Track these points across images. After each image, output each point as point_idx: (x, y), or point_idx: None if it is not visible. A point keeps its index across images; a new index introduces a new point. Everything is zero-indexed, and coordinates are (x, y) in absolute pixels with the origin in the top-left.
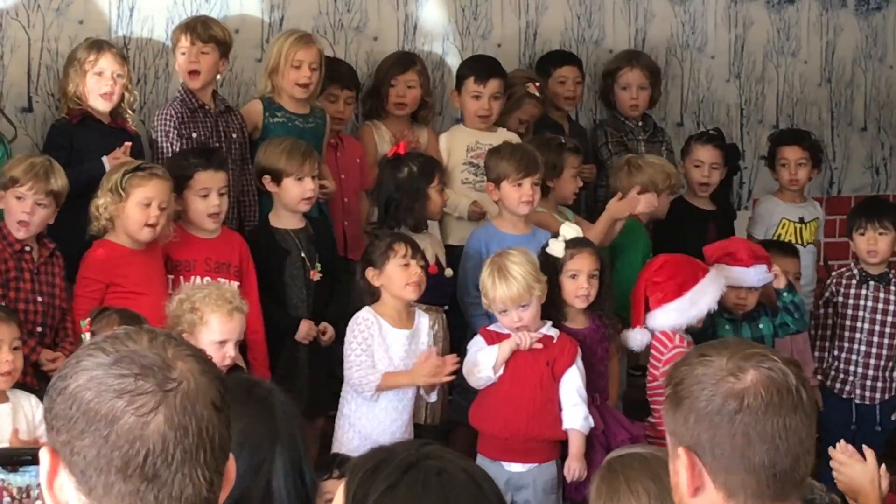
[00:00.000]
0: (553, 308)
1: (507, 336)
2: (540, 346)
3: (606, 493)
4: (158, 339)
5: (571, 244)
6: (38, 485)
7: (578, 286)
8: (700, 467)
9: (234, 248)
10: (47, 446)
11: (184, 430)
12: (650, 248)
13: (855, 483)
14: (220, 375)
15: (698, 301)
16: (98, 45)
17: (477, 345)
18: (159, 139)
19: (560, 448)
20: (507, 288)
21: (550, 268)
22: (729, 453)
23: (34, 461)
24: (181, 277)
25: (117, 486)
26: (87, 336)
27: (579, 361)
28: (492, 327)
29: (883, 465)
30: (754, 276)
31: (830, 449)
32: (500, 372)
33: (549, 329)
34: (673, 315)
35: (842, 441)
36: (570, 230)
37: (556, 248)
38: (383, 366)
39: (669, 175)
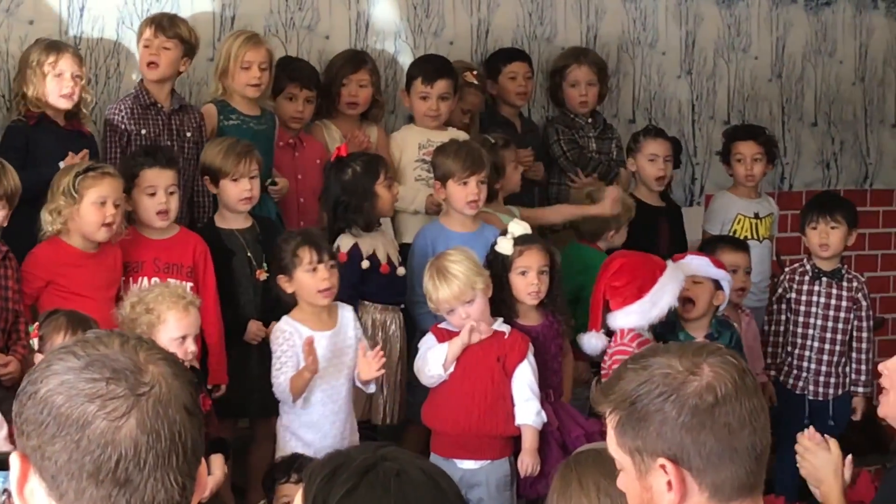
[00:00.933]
0: (504, 306)
1: (458, 334)
2: (490, 331)
3: (560, 488)
4: (130, 342)
5: (520, 241)
6: (4, 490)
7: (528, 283)
8: (685, 474)
9: (188, 248)
10: (17, 451)
11: (156, 435)
12: None
13: (819, 472)
14: (192, 380)
15: (658, 301)
16: (57, 46)
17: (427, 343)
18: (107, 135)
19: (513, 444)
20: (448, 287)
21: (500, 265)
22: (717, 449)
23: (2, 467)
24: (130, 279)
25: (89, 491)
26: (35, 341)
27: (531, 357)
28: (443, 325)
29: (849, 456)
30: (696, 262)
31: (798, 434)
32: (451, 370)
33: (500, 325)
34: (634, 317)
35: (811, 427)
36: (518, 227)
37: (505, 246)
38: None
39: (630, 207)
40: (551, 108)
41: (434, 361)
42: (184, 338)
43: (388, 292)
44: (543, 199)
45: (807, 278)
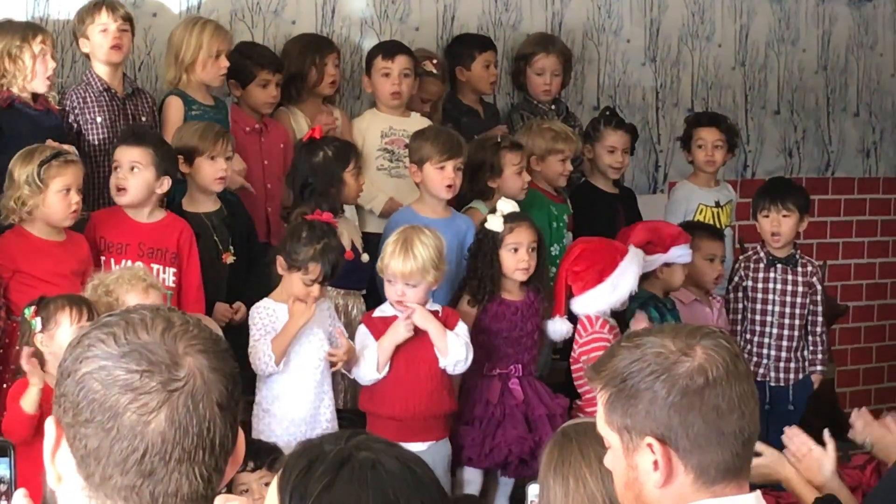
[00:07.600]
0: (490, 282)
1: (392, 318)
2: (411, 326)
3: (558, 457)
4: (174, 329)
5: (510, 218)
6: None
7: (519, 259)
8: (671, 454)
9: (173, 234)
10: (54, 417)
11: (184, 431)
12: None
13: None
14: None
15: (619, 285)
16: (40, 29)
17: (361, 335)
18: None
19: (451, 424)
20: (402, 263)
21: (490, 243)
22: (704, 431)
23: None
24: (111, 260)
25: (115, 478)
26: (36, 322)
27: (460, 326)
28: (376, 313)
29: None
30: (675, 255)
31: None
32: (385, 371)
33: (432, 305)
34: (597, 301)
35: (794, 427)
36: (506, 205)
37: (495, 223)
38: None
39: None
40: (516, 94)
41: (367, 366)
42: None
43: (351, 278)
44: None
45: (762, 265)
